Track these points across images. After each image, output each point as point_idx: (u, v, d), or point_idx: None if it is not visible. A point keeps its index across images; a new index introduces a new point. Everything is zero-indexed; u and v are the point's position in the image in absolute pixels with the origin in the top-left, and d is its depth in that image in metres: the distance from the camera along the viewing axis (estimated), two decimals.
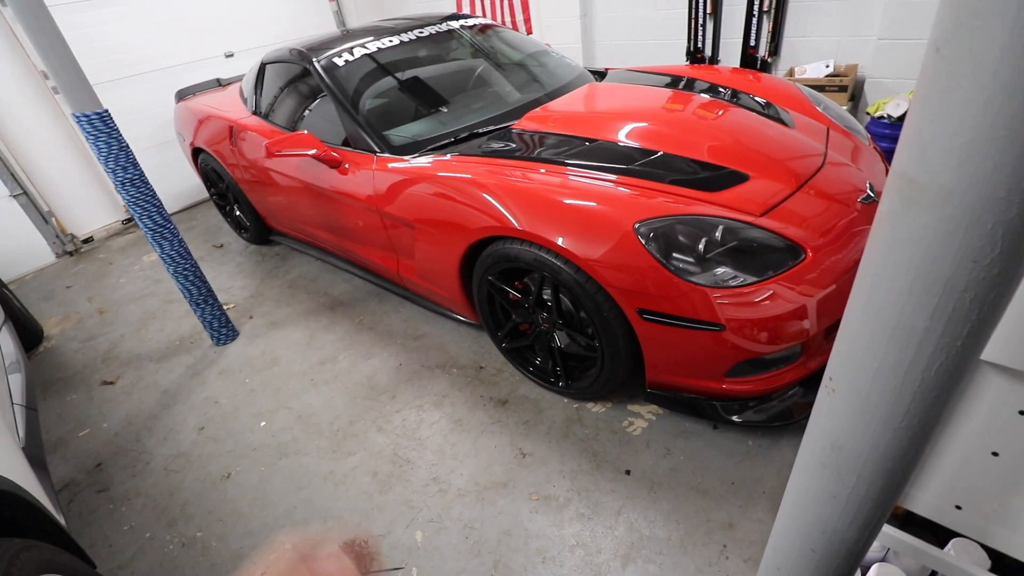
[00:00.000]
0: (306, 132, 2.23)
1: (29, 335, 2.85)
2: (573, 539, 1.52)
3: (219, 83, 3.78)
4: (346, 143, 2.30)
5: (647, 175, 1.70)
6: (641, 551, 1.46)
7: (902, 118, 2.91)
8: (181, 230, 2.42)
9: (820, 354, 1.56)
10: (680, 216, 1.52)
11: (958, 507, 0.89)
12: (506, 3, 4.60)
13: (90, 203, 4.12)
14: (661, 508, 1.56)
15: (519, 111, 2.28)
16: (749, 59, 3.64)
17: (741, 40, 3.61)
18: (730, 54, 3.75)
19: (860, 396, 0.51)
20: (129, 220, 4.33)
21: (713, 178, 1.69)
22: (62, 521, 1.39)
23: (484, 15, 4.79)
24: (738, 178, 1.68)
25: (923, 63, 0.37)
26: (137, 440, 2.16)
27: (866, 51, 3.24)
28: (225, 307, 2.66)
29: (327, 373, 2.33)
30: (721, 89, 2.31)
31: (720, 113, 2.09)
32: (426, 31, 2.65)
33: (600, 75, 2.74)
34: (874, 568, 1.09)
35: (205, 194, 4.07)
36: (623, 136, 1.94)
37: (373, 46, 2.49)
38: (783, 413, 1.61)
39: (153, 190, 2.22)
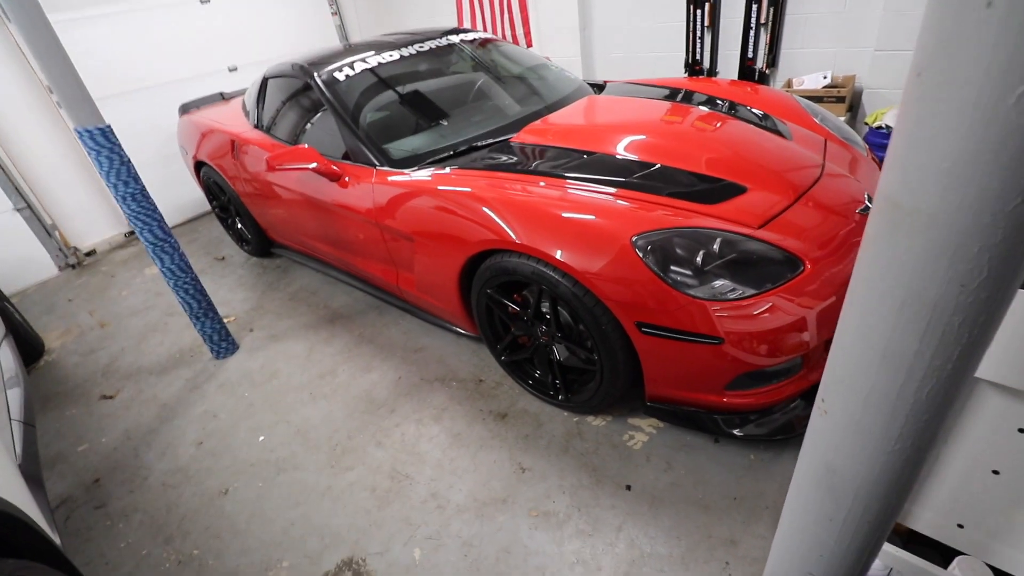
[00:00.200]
0: (307, 146, 2.24)
1: (30, 348, 2.85)
2: (573, 556, 1.50)
3: (223, 97, 3.82)
4: (346, 157, 2.31)
5: (645, 188, 1.70)
6: (642, 568, 1.44)
7: None
8: (183, 242, 2.43)
9: (821, 366, 1.55)
10: (678, 229, 1.52)
11: (960, 525, 0.88)
12: (506, 17, 4.65)
13: (93, 216, 4.14)
14: (662, 524, 1.54)
15: (518, 124, 2.30)
16: (747, 71, 3.66)
17: (739, 52, 3.64)
18: (728, 66, 3.78)
19: (853, 418, 0.51)
20: (132, 233, 4.35)
21: (711, 190, 1.69)
22: (57, 540, 1.38)
23: (485, 29, 4.84)
24: (736, 190, 1.68)
25: (905, 87, 0.37)
26: (135, 455, 2.15)
27: (863, 62, 3.25)
28: (226, 320, 2.66)
29: (326, 386, 2.32)
30: (719, 101, 2.32)
31: (718, 125, 2.09)
32: (427, 46, 2.67)
33: (599, 88, 2.76)
34: None
35: (207, 207, 4.09)
36: (621, 149, 1.95)
37: (374, 60, 2.52)
38: (785, 426, 1.59)
39: (154, 204, 2.24)
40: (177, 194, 4.35)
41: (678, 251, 1.48)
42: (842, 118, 3.04)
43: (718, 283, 1.44)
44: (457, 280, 1.95)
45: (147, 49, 4.10)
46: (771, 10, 3.38)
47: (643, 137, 2.04)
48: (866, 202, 1.70)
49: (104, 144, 2.04)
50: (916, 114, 0.36)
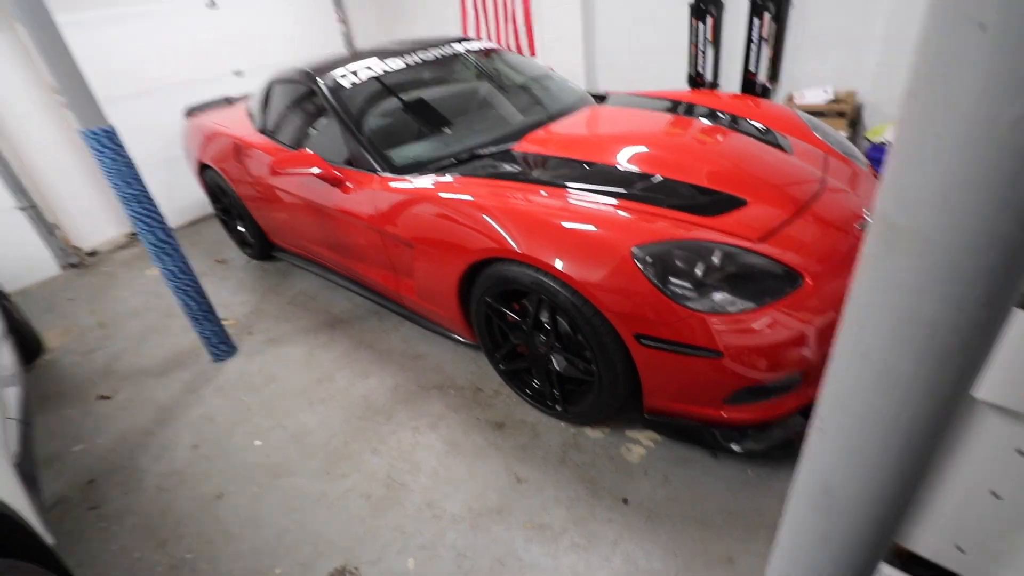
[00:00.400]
0: (309, 151, 2.25)
1: (30, 347, 2.85)
2: (568, 570, 1.49)
3: (228, 101, 3.84)
4: (349, 162, 2.32)
5: (646, 199, 1.70)
6: None
7: None
8: (185, 244, 2.43)
9: (820, 381, 1.54)
10: (678, 241, 1.52)
11: (961, 549, 0.86)
12: (511, 26, 4.69)
13: (96, 216, 4.16)
14: (659, 539, 1.53)
15: (521, 133, 2.31)
16: (749, 84, 3.68)
17: (741, 66, 3.66)
18: (730, 79, 3.80)
19: (849, 438, 0.50)
20: (134, 233, 4.37)
21: (712, 203, 1.69)
22: (50, 540, 1.37)
23: (489, 37, 4.88)
24: (736, 203, 1.68)
25: (900, 109, 0.37)
26: (131, 457, 2.14)
27: (865, 77, 3.27)
28: (225, 323, 2.66)
29: (324, 392, 2.31)
30: (721, 114, 2.33)
31: (720, 138, 2.10)
32: (431, 54, 2.69)
33: (601, 99, 2.77)
34: None
35: (210, 209, 4.11)
36: (623, 160, 1.95)
37: (378, 68, 2.53)
38: (784, 442, 1.58)
39: (156, 206, 2.25)
40: (180, 196, 4.37)
41: (678, 263, 1.47)
42: (843, 133, 3.05)
43: (718, 296, 1.43)
44: (457, 287, 1.95)
45: (153, 52, 4.14)
46: (774, 24, 3.40)
47: (645, 148, 2.04)
48: (866, 217, 1.70)
49: (108, 146, 2.05)
50: (911, 135, 0.36)
